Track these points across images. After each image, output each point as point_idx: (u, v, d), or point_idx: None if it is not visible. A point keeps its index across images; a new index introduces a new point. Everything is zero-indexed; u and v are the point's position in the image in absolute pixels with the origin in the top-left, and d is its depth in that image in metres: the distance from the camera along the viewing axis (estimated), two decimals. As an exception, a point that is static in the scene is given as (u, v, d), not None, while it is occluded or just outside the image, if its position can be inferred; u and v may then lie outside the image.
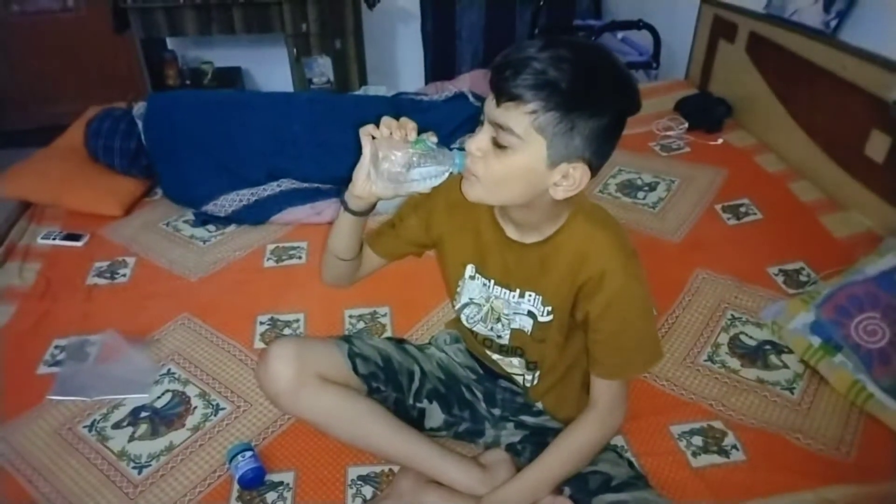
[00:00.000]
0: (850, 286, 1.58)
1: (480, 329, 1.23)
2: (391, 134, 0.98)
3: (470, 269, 1.19)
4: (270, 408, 1.46)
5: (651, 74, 3.18)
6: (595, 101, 0.90)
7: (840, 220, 2.06)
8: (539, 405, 1.31)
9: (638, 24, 3.13)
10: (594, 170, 0.97)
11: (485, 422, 1.33)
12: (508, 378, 1.31)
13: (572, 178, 0.95)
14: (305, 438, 1.39)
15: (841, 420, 1.43)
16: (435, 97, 2.64)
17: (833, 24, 2.15)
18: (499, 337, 1.21)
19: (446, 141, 2.43)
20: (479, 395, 1.34)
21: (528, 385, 1.28)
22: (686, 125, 2.63)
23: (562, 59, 0.87)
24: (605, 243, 1.05)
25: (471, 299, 1.20)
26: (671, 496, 1.26)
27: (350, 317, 1.75)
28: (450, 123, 2.47)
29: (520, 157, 0.93)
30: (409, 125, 0.99)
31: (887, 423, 1.40)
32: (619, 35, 3.36)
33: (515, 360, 1.24)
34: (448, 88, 2.72)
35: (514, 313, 1.16)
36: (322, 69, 3.52)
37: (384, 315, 1.75)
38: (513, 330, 1.18)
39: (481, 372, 1.35)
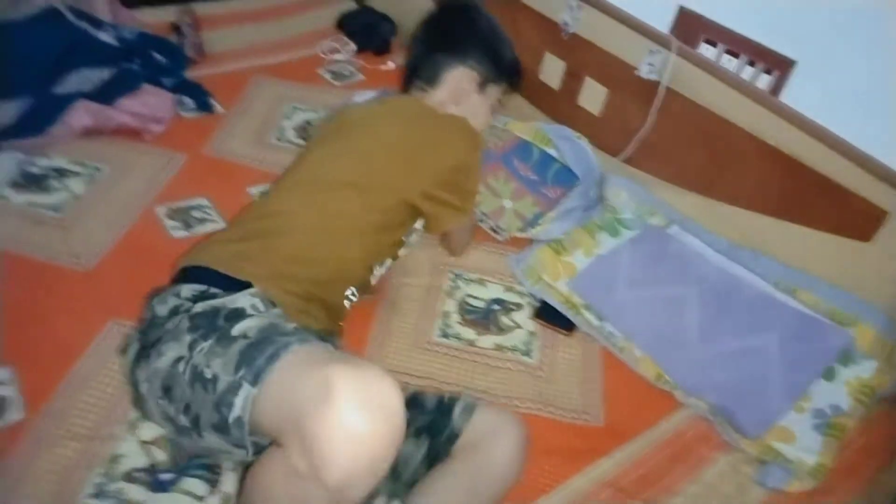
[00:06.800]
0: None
1: None
2: None
3: None
4: None
5: (298, -17, 2.75)
6: None
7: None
8: None
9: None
10: None
11: None
12: None
13: None
14: None
15: (579, 379, 1.38)
16: (12, 15, 1.82)
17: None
18: None
19: (46, 82, 1.71)
20: None
21: None
22: (354, 48, 2.32)
23: None
24: None
25: None
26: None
27: None
28: (44, 57, 1.74)
29: None
30: None
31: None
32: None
33: None
34: (30, 2, 1.92)
35: None
36: None
37: None
38: None
39: None
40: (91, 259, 1.39)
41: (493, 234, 1.68)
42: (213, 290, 0.97)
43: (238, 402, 0.81)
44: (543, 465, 1.18)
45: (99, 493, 1.01)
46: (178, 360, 0.88)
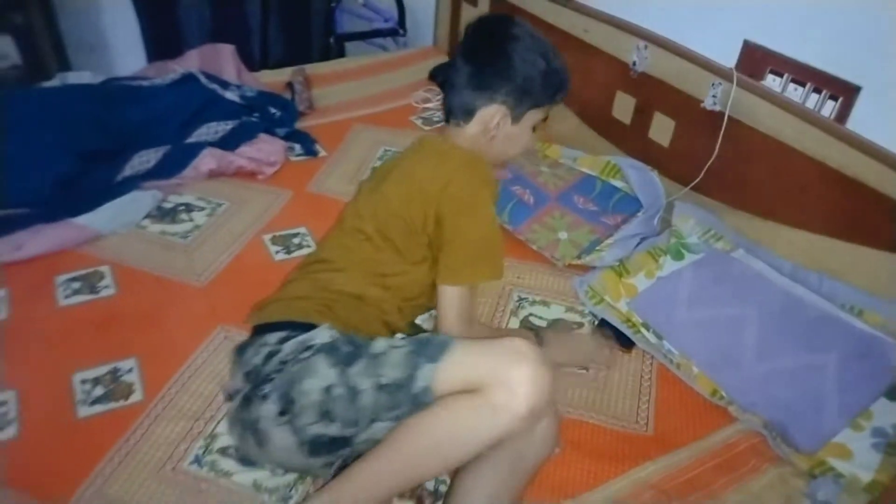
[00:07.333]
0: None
1: None
2: None
3: None
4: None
5: (400, 42, 3.05)
6: None
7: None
8: None
9: (379, -11, 2.96)
10: None
11: None
12: None
13: None
14: None
15: (633, 391, 1.44)
16: (157, 81, 2.21)
17: (570, -13, 2.17)
18: None
19: (180, 134, 2.05)
20: None
21: None
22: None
23: None
24: None
25: None
26: None
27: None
28: (180, 113, 2.09)
29: None
30: None
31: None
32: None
33: None
34: (173, 70, 2.30)
35: None
36: (4, 50, 2.82)
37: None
38: None
39: None
40: (207, 276, 1.64)
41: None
42: (292, 332, 1.13)
43: (421, 374, 1.01)
44: (588, 465, 1.25)
45: (197, 461, 1.21)
46: (328, 388, 1.04)
